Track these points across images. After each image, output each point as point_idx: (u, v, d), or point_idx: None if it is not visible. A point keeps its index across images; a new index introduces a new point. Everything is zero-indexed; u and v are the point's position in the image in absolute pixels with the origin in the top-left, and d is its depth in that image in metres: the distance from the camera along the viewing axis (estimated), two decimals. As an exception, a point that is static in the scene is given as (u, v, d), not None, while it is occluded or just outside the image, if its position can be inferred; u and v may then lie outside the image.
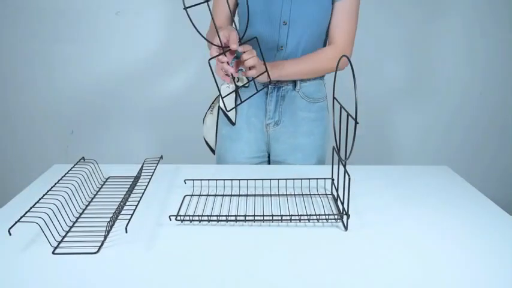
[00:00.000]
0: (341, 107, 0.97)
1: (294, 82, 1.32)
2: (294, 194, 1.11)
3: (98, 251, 0.84)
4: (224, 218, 0.96)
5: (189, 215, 0.97)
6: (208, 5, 0.95)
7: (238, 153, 1.38)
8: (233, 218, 0.96)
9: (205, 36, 1.18)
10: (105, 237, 0.88)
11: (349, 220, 0.94)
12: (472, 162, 2.50)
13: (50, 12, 2.22)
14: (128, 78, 2.35)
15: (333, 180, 1.13)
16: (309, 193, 1.12)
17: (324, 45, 1.35)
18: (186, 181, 1.14)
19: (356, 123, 0.86)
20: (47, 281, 0.75)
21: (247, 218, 0.96)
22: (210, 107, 1.44)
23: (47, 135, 2.46)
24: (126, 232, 0.89)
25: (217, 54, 1.02)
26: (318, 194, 1.11)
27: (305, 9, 1.21)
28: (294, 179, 1.15)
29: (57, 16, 2.23)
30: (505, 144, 2.53)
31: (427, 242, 0.89)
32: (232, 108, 1.30)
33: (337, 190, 1.07)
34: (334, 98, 1.05)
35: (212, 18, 1.04)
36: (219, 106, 1.39)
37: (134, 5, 2.21)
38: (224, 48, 1.03)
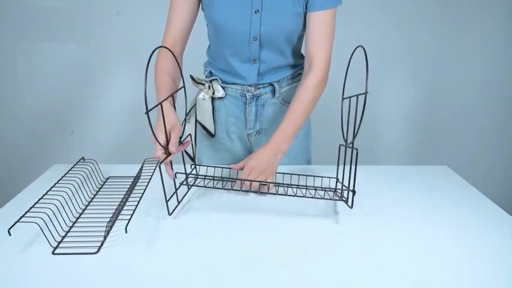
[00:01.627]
0: (344, 97, 0.97)
1: (273, 89, 1.27)
2: (298, 185, 1.12)
3: (97, 251, 0.84)
4: (229, 183, 1.00)
5: (193, 175, 0.99)
6: (161, 105, 0.97)
7: (221, 162, 1.36)
8: (239, 183, 1.00)
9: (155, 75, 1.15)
10: (105, 237, 0.88)
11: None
12: (472, 162, 2.50)
13: (51, 12, 2.22)
14: (127, 78, 2.35)
15: (337, 179, 1.14)
16: (313, 186, 1.12)
17: (300, 49, 1.28)
18: (192, 166, 1.15)
19: (366, 92, 0.89)
20: (46, 281, 0.75)
21: (252, 184, 1.00)
22: (187, 116, 1.36)
23: (47, 135, 2.46)
24: (126, 232, 0.89)
25: (163, 156, 0.97)
26: (322, 188, 1.11)
27: (275, 25, 1.12)
28: (299, 175, 1.15)
29: (57, 16, 2.23)
30: (504, 144, 2.53)
31: (428, 242, 0.89)
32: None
33: (342, 182, 1.08)
34: (343, 91, 1.05)
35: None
36: (196, 118, 1.34)
37: (134, 5, 2.22)
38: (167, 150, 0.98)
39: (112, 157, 2.44)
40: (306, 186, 0.98)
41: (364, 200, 1.06)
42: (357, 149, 0.92)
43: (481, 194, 1.13)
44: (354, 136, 0.94)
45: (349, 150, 0.97)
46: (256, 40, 1.14)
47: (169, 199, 0.98)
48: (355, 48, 0.97)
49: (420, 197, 1.11)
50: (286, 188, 1.05)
